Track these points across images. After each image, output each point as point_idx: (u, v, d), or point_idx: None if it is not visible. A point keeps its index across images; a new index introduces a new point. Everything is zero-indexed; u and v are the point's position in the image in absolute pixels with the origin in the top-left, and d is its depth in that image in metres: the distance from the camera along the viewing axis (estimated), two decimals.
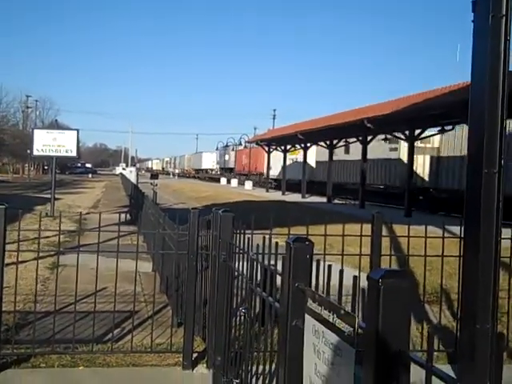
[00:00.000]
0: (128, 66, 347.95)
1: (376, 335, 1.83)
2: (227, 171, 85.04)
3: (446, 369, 6.06)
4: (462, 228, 5.81)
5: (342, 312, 2.20)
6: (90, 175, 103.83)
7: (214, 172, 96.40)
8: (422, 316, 7.41)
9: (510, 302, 6.80)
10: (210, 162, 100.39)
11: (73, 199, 33.62)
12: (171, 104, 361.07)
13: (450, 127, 31.13)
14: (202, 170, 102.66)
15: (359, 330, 2.07)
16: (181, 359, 6.24)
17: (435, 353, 6.09)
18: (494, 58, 5.44)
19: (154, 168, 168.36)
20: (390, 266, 6.57)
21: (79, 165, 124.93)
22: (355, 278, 2.41)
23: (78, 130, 25.63)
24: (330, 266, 2.73)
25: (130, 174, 54.60)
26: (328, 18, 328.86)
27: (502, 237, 5.56)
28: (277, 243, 4.03)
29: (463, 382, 5.43)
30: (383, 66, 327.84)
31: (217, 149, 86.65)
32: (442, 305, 7.05)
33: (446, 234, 6.54)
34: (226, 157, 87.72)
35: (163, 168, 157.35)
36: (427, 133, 31.63)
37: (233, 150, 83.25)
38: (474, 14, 5.67)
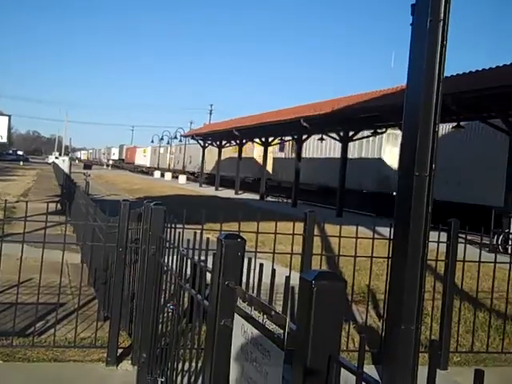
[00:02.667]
0: (64, 53, 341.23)
1: (307, 337, 1.78)
2: (122, 161, 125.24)
3: (370, 369, 6.12)
4: (392, 230, 5.87)
5: (273, 313, 2.15)
6: (21, 163, 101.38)
7: (116, 162, 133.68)
8: (348, 316, 7.47)
9: (433, 304, 6.94)
10: (116, 154, 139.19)
11: (2, 186, 32.65)
12: (108, 95, 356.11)
13: (383, 130, 31.69)
14: (111, 159, 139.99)
15: (289, 332, 2.02)
16: (105, 355, 6.07)
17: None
18: (431, 62, 5.50)
19: (83, 158, 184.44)
20: (320, 265, 6.58)
21: (10, 152, 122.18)
22: (287, 278, 2.36)
23: (9, 116, 25.03)
24: (261, 265, 2.68)
25: (63, 163, 53.60)
26: (272, 12, 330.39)
27: (430, 239, 5.63)
28: (208, 239, 3.95)
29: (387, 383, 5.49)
30: (328, 64, 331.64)
31: (152, 141, 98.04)
32: (368, 305, 7.12)
33: (375, 236, 6.61)
34: (122, 151, 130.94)
35: (88, 158, 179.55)
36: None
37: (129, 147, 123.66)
38: (412, 18, 5.72)
